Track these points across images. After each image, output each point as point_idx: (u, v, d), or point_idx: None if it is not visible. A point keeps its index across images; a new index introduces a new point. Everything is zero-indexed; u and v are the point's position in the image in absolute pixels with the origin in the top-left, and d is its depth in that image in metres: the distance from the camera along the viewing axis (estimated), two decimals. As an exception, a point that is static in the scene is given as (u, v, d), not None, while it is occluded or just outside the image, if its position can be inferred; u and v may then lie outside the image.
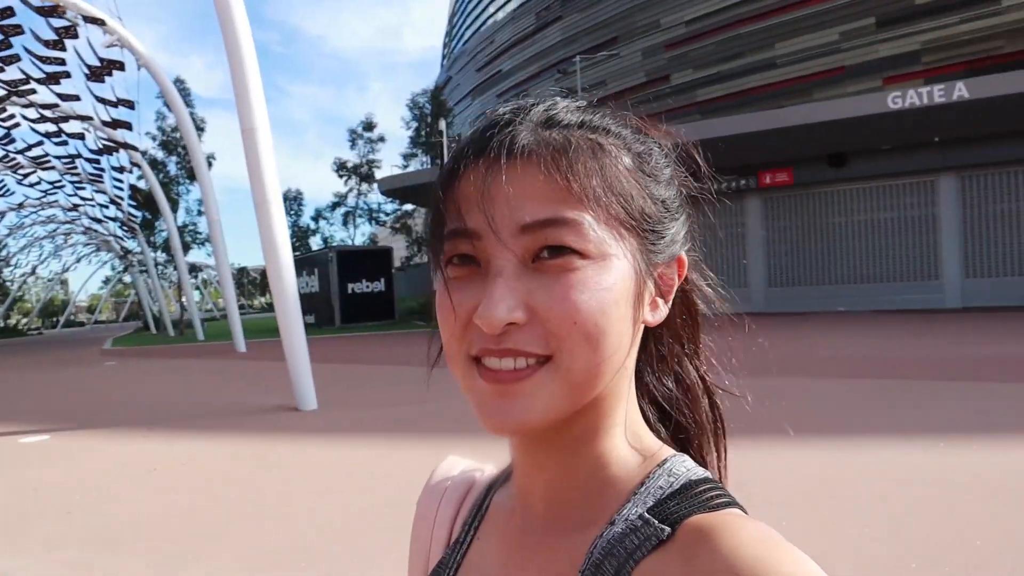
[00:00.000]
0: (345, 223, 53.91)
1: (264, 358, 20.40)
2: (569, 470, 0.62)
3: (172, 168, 43.14)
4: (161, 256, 47.88)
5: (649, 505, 0.57)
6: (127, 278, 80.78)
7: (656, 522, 0.55)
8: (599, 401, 0.61)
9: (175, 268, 42.97)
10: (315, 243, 55.84)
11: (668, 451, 0.65)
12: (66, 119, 28.32)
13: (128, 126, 26.58)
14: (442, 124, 42.14)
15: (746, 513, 0.57)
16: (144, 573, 4.71)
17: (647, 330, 0.69)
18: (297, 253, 44.12)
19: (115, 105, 24.27)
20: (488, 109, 0.65)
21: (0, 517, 6.06)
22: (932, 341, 15.79)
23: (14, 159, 34.82)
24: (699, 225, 0.71)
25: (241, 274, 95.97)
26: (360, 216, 53.29)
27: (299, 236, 55.09)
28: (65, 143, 31.81)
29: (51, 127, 29.55)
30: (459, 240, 0.58)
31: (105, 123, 26.54)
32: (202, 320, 37.11)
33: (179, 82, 45.05)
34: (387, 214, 53.08)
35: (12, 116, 28.17)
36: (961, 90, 20.15)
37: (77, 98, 24.92)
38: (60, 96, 24.53)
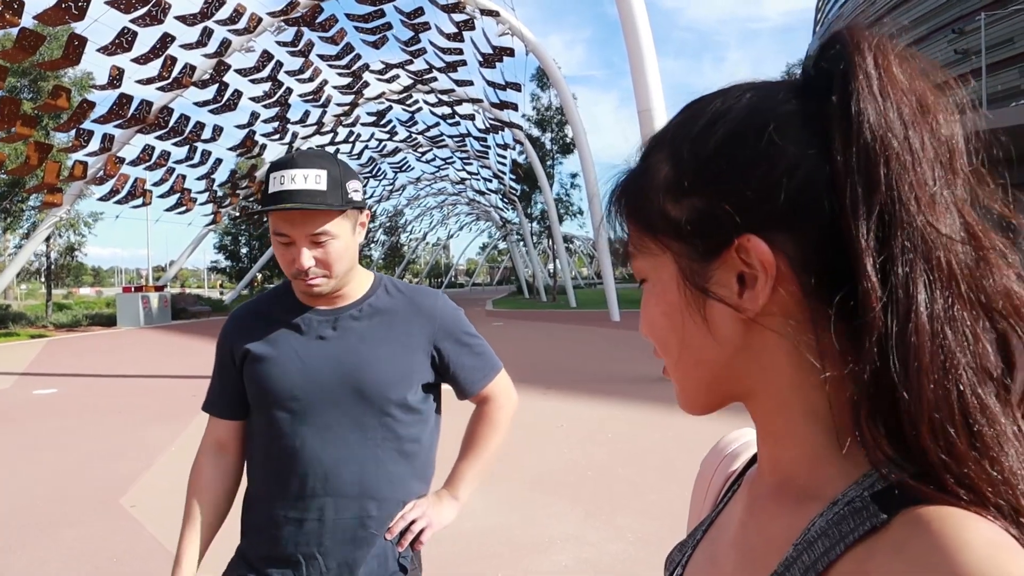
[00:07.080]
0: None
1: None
2: (782, 443, 0.60)
3: (547, 144, 45.60)
4: (535, 227, 51.09)
5: (877, 489, 0.50)
6: (502, 245, 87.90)
7: (875, 507, 0.49)
8: (751, 390, 0.61)
9: (549, 238, 45.78)
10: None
11: None
12: (460, 102, 31.51)
13: (515, 107, 28.89)
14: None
15: (996, 517, 0.49)
16: (571, 512, 5.20)
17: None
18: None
19: (503, 88, 26.45)
20: None
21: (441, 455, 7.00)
22: None
23: (415, 139, 39.65)
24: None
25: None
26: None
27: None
28: (457, 123, 35.59)
29: (446, 110, 33.13)
30: None
31: (493, 104, 29.07)
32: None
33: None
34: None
35: (416, 102, 32.01)
36: None
37: (470, 83, 27.54)
38: (456, 82, 27.26)
